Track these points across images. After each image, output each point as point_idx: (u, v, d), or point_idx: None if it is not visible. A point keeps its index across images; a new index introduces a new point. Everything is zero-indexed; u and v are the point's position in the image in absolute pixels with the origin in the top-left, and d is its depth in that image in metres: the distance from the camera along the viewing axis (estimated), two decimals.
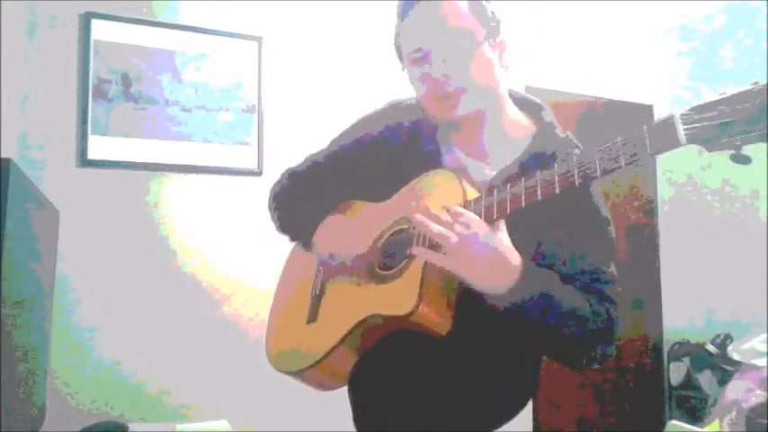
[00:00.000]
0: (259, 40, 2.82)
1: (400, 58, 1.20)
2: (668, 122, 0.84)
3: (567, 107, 3.24)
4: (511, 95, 1.22)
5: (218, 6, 2.77)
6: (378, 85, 1.36)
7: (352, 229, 1.23)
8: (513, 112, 1.21)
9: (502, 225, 1.00)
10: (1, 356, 1.08)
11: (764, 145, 0.80)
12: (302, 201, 1.33)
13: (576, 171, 0.92)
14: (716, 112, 0.81)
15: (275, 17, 2.87)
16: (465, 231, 0.97)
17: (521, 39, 1.20)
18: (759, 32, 3.44)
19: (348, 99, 2.75)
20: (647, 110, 3.79)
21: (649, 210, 3.79)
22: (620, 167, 0.88)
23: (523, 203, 0.97)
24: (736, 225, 3.52)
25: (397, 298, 1.06)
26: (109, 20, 2.56)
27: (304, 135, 2.62)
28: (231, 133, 2.75)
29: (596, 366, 1.10)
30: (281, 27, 2.88)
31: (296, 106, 2.86)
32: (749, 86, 0.80)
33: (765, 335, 3.07)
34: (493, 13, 1.14)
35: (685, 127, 0.82)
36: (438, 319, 1.04)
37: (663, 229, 3.78)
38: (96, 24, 2.54)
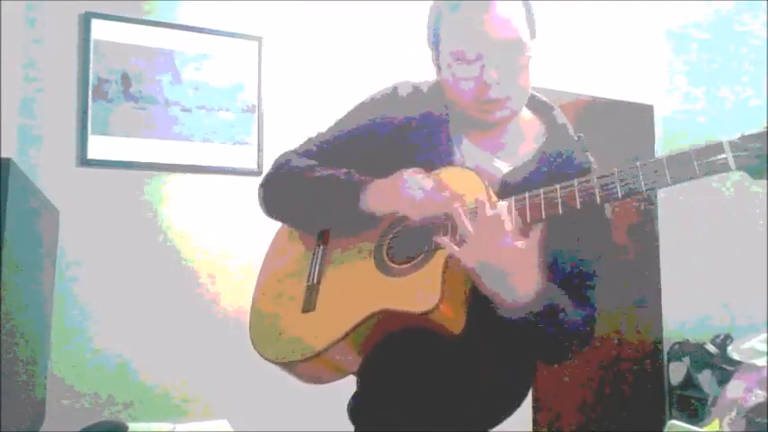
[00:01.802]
0: (259, 40, 2.82)
1: (435, 43, 1.16)
2: (717, 147, 0.88)
3: (567, 107, 3.22)
4: None
5: (218, 6, 2.77)
6: (378, 85, 1.35)
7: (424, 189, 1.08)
8: (523, 110, 1.21)
9: (536, 234, 0.97)
10: (1, 356, 1.08)
11: None
12: (327, 169, 1.21)
13: (618, 185, 0.93)
14: (759, 144, 0.87)
15: (275, 17, 2.87)
16: (498, 233, 0.94)
17: None
18: (759, 33, 3.44)
19: (348, 99, 2.74)
20: (648, 110, 3.78)
21: (649, 210, 3.79)
22: (667, 185, 0.91)
23: (561, 210, 0.96)
24: (736, 225, 3.52)
25: (415, 293, 1.02)
26: (109, 20, 2.56)
27: (304, 135, 2.61)
28: (231, 133, 2.75)
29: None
30: (281, 27, 2.87)
31: (296, 106, 2.86)
32: None
33: (765, 335, 3.07)
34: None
35: (732, 154, 0.87)
36: (455, 318, 1.02)
37: (663, 229, 3.78)
38: (96, 24, 2.53)
